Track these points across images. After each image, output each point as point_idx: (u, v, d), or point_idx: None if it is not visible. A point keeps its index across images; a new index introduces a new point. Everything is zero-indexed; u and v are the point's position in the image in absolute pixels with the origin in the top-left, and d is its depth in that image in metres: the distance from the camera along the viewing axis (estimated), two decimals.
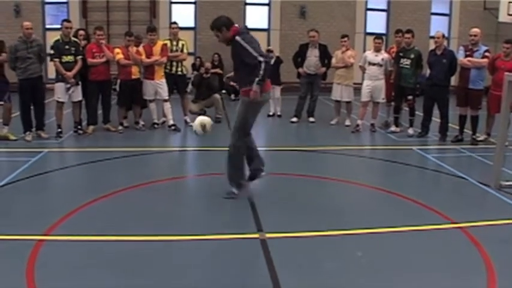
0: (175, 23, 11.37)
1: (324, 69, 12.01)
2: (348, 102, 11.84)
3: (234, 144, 6.31)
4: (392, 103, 11.17)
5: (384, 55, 10.98)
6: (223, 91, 15.27)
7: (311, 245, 5.10)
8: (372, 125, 11.20)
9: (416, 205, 6.26)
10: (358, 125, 11.08)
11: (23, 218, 5.69)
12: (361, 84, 11.44)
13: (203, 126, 7.00)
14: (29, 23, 9.65)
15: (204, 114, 12.03)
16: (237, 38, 5.97)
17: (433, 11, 19.68)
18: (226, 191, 6.46)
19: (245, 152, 6.45)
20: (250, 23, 18.80)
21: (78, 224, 5.47)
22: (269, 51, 13.02)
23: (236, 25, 6.14)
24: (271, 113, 12.93)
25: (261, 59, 5.85)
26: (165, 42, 10.89)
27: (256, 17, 19.03)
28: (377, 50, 10.96)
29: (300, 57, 12.12)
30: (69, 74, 9.67)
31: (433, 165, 8.43)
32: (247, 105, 6.17)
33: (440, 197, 6.79)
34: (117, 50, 10.47)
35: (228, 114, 12.68)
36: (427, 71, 10.74)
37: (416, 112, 10.79)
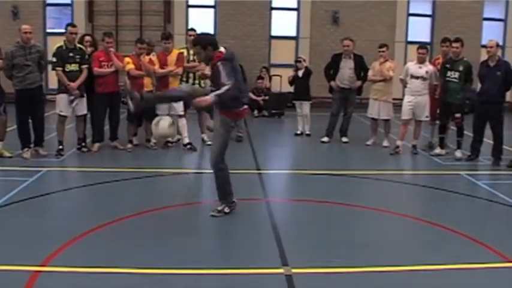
0: (192, 29, 11.44)
1: (359, 82, 11.97)
2: (386, 121, 11.77)
3: (220, 168, 6.78)
4: (438, 122, 11.07)
5: (428, 67, 10.91)
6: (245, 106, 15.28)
7: (342, 282, 5.04)
8: (414, 146, 11.11)
9: (465, 239, 6.15)
10: (397, 147, 10.99)
11: (18, 245, 5.72)
12: (401, 100, 11.37)
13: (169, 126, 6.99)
14: (28, 27, 9.70)
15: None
16: (218, 63, 6.50)
17: (485, 16, 19.51)
18: (214, 209, 6.82)
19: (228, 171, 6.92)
20: (276, 30, 18.99)
21: (78, 254, 5.48)
22: (297, 61, 13.06)
23: (222, 49, 6.63)
24: (299, 132, 12.91)
25: (228, 83, 6.41)
26: (181, 50, 10.96)
27: (283, 24, 19.11)
28: (420, 61, 10.90)
29: (332, 69, 12.11)
30: (73, 84, 9.76)
31: (484, 193, 8.31)
32: (227, 126, 6.70)
33: (493, 230, 6.68)
34: (127, 59, 10.55)
35: (250, 132, 12.70)
36: (477, 85, 10.64)
37: (465, 132, 10.67)
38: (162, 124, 7.09)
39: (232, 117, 6.73)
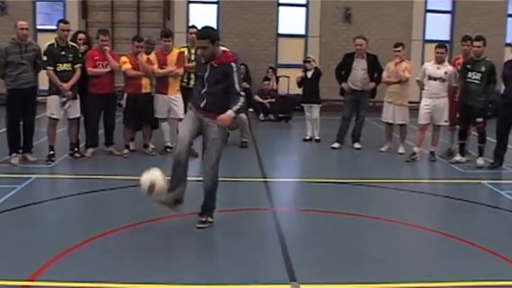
0: (194, 26, 11.42)
1: (372, 84, 11.95)
2: (402, 125, 11.74)
3: (215, 178, 6.77)
4: (458, 127, 11.04)
5: (447, 68, 10.88)
6: (250, 110, 15.29)
7: None
8: (432, 153, 11.08)
9: (487, 254, 6.12)
10: (414, 153, 10.97)
11: (5, 258, 5.70)
12: (418, 103, 11.35)
13: (151, 186, 6.46)
14: (25, 23, 9.75)
15: (227, 136, 12.05)
16: (233, 64, 6.58)
17: (510, 12, 19.47)
18: (198, 221, 6.76)
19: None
20: (284, 28, 19.00)
21: (69, 268, 5.46)
22: (306, 61, 13.04)
23: (225, 49, 6.74)
24: (307, 137, 12.90)
25: (242, 94, 6.59)
26: (182, 49, 10.96)
27: (291, 21, 19.12)
28: (439, 61, 10.87)
29: (343, 69, 12.10)
30: (66, 85, 9.75)
31: (508, 204, 8.27)
32: (223, 131, 6.78)
33: None
34: (123, 59, 10.56)
35: (256, 137, 12.68)
36: (501, 87, 10.61)
37: (488, 138, 10.64)
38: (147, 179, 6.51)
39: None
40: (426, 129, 11.10)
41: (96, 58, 10.33)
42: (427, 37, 19.13)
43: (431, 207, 8.37)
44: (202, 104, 6.60)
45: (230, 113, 6.41)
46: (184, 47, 11.21)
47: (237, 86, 6.51)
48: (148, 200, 8.00)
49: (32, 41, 9.97)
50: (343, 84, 12.06)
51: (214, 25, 18.14)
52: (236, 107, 6.47)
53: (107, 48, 10.50)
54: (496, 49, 15.86)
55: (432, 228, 7.00)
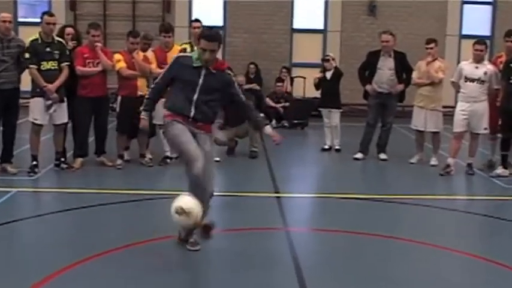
0: (197, 20, 11.43)
1: (401, 86, 11.93)
2: (435, 133, 11.72)
3: (213, 192, 6.83)
4: (499, 135, 11.00)
5: (487, 67, 10.83)
6: (262, 115, 15.28)
7: None
8: (469, 165, 11.03)
9: None
10: (448, 165, 10.92)
11: None
12: (453, 108, 11.32)
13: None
14: (8, 15, 9.83)
15: (234, 145, 12.06)
16: (229, 71, 6.85)
17: None
18: (191, 243, 6.65)
19: None
20: (299, 22, 19.01)
21: None
22: (325, 60, 13.02)
23: None
24: (326, 146, 12.89)
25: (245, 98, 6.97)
26: (184, 46, 10.95)
27: (308, 14, 19.13)
28: (478, 59, 10.83)
29: (368, 69, 12.09)
30: (51, 86, 9.76)
31: None
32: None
33: None
34: (117, 57, 10.58)
35: (267, 146, 12.66)
36: None
37: None
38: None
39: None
40: (463, 137, 11.06)
41: (86, 56, 10.34)
42: (464, 32, 19.11)
43: (468, 228, 8.34)
44: (191, 114, 6.48)
45: (268, 128, 6.90)
46: (186, 43, 11.20)
47: (242, 96, 6.81)
48: (142, 219, 8.02)
49: (15, 36, 10.00)
50: (367, 86, 12.03)
51: (220, 19, 18.34)
52: (262, 116, 7.06)
53: (99, 44, 10.52)
54: None
55: (469, 251, 6.94)
